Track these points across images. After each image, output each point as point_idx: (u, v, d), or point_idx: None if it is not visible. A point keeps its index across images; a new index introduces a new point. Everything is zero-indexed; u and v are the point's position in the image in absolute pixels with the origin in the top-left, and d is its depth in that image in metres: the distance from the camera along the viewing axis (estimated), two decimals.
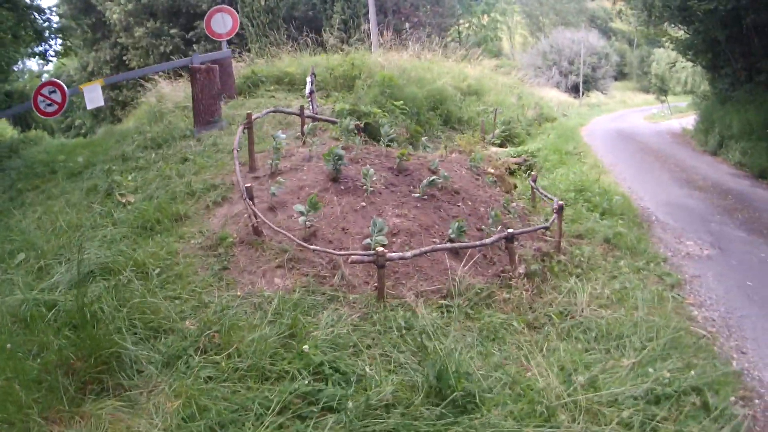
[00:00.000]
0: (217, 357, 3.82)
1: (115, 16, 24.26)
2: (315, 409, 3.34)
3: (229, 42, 21.02)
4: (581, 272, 6.02)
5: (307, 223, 5.21)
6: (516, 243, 6.11)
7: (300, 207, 5.18)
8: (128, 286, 4.69)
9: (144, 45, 24.28)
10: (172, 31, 23.87)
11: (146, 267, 5.00)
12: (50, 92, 9.85)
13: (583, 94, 41.41)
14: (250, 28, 20.49)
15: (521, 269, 5.49)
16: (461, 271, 5.04)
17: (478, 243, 5.08)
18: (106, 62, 26.47)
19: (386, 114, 11.73)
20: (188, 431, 3.19)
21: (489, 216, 5.87)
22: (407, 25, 28.68)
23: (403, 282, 4.82)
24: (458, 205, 6.20)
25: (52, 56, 15.23)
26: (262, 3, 19.90)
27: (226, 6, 13.61)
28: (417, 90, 14.41)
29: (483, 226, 5.91)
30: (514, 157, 13.91)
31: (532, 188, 7.62)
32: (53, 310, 4.31)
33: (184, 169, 7.59)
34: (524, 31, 59.31)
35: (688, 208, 9.22)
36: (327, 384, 3.53)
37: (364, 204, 5.66)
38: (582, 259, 6.35)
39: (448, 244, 5.08)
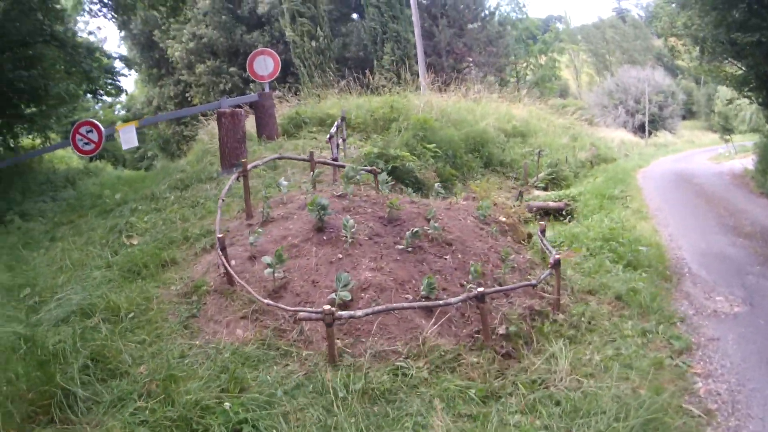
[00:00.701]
0: (155, 404, 3.87)
1: (176, 54, 25.69)
2: None
3: (284, 81, 21.69)
4: (575, 334, 5.59)
5: (276, 274, 5.18)
6: (505, 300, 5.81)
7: (268, 259, 5.17)
8: (96, 328, 4.85)
9: (205, 82, 25.49)
10: (231, 69, 25.00)
11: (119, 311, 5.14)
12: (87, 131, 10.46)
13: (650, 133, 39.96)
14: (302, 68, 21.10)
15: (501, 330, 5.19)
16: (429, 331, 4.82)
17: (441, 302, 4.85)
18: (170, 98, 28.00)
19: (416, 157, 11.62)
20: None
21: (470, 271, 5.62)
22: (464, 65, 28.74)
23: (363, 340, 4.65)
24: (445, 258, 5.98)
25: (101, 95, 16.18)
26: (313, 45, 20.48)
27: (268, 49, 14.12)
28: (454, 132, 14.25)
29: (465, 282, 5.66)
30: (555, 201, 13.41)
31: (540, 239, 7.27)
32: (28, 344, 4.59)
33: (191, 214, 7.77)
34: (590, 70, 58.16)
35: (727, 257, 8.47)
36: None
37: (341, 256, 5.56)
38: (582, 319, 5.87)
39: (406, 303, 4.87)
